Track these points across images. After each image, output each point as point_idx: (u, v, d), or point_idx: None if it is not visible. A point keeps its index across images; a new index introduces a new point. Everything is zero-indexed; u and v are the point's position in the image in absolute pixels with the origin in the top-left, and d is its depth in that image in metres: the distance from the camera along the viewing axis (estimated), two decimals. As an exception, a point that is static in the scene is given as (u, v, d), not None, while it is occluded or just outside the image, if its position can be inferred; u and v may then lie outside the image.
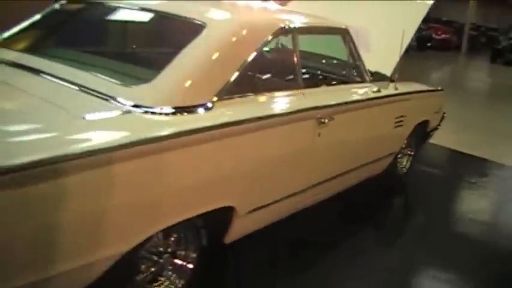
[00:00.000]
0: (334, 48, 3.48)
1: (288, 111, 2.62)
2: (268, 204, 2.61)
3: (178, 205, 2.11)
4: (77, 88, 2.12)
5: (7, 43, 2.71)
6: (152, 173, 1.95)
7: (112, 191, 1.82)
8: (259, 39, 2.53)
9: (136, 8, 2.76)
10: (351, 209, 3.90)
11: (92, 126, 1.86)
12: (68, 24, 3.06)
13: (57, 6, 2.95)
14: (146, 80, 2.16)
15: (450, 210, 4.37)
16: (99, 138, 1.79)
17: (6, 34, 2.79)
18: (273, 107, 2.56)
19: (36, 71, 2.28)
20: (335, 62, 3.75)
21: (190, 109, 2.12)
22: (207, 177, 2.18)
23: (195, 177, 2.13)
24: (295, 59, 2.83)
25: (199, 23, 2.40)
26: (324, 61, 3.80)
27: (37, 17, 2.90)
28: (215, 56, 2.30)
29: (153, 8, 2.71)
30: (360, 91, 3.35)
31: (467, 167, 5.58)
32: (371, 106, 3.37)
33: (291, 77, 2.86)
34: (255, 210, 2.51)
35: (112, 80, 2.18)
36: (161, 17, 2.71)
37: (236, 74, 2.35)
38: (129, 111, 1.99)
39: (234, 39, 2.42)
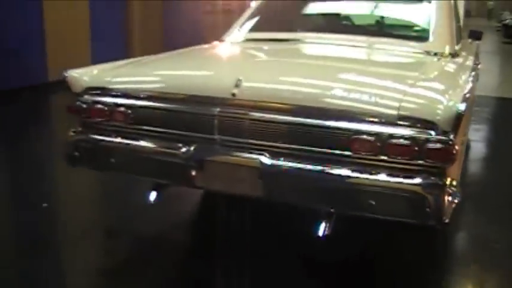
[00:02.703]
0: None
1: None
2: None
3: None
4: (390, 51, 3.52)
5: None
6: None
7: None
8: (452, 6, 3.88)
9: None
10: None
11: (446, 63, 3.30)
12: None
13: None
14: (425, 39, 3.55)
15: None
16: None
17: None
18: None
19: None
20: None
21: (456, 54, 3.49)
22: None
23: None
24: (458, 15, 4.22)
25: (427, 2, 3.75)
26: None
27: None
28: (449, 20, 3.63)
29: None
30: None
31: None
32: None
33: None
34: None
35: (407, 42, 3.59)
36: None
37: (455, 29, 3.72)
38: (437, 54, 3.41)
39: (450, 8, 3.79)
